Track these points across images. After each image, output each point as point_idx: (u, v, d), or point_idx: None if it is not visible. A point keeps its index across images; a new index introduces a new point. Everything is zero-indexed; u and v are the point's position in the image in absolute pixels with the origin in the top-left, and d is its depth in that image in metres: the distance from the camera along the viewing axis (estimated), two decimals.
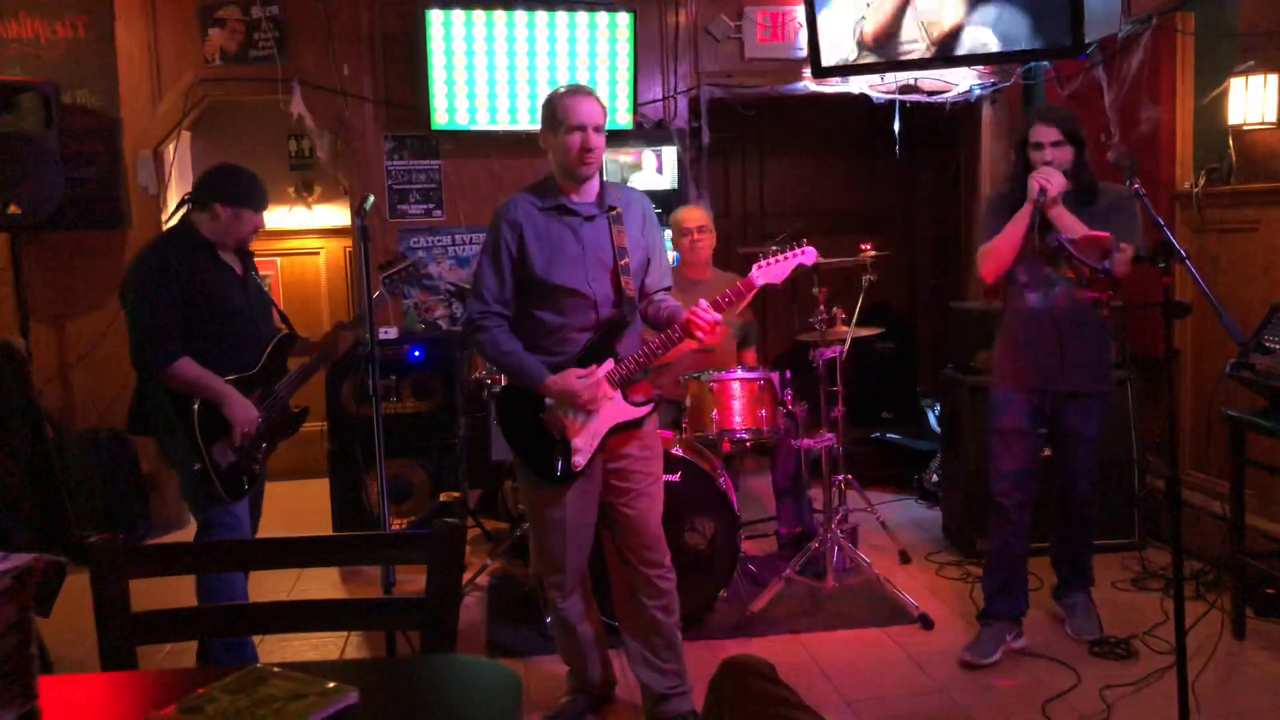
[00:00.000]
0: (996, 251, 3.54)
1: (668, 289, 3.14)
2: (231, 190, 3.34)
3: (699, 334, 2.88)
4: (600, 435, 2.97)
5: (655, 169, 5.67)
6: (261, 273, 3.72)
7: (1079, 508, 3.72)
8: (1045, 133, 3.49)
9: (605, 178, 3.20)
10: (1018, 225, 3.46)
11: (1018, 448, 3.62)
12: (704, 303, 2.90)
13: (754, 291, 3.05)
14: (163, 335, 3.21)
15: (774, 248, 3.10)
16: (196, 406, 3.22)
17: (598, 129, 2.93)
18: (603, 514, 3.10)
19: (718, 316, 2.90)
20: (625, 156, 5.64)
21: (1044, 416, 3.64)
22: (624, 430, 3.01)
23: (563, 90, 3.00)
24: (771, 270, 3.05)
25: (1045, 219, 3.42)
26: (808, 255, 3.11)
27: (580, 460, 2.95)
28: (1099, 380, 3.61)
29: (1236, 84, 4.19)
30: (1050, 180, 3.39)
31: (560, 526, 3.04)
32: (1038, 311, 3.55)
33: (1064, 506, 3.75)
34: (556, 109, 2.94)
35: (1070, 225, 3.39)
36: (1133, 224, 3.42)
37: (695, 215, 4.56)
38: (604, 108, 2.99)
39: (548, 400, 2.94)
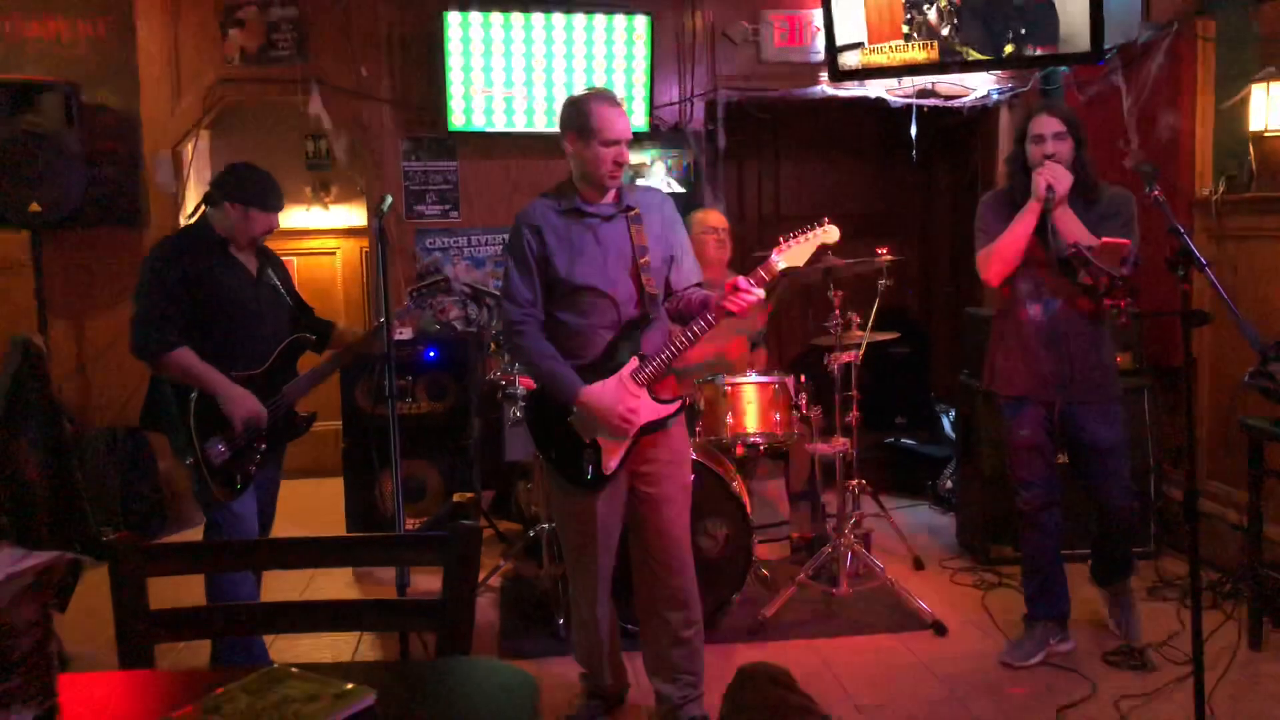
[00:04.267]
0: (1000, 253, 3.45)
1: (699, 285, 3.11)
2: (243, 189, 3.36)
3: (736, 310, 2.84)
4: (630, 436, 2.96)
5: (664, 175, 5.65)
6: (288, 272, 3.74)
7: (1119, 516, 3.60)
8: (1047, 123, 3.40)
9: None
10: (1024, 224, 3.38)
11: (1034, 458, 3.59)
12: (743, 281, 2.83)
13: (774, 276, 2.96)
14: (159, 324, 3.24)
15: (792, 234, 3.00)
16: (193, 401, 3.24)
17: (628, 143, 2.94)
18: (628, 521, 3.09)
19: (761, 293, 2.86)
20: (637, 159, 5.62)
21: (1054, 425, 3.56)
22: (653, 431, 2.99)
23: (591, 95, 2.95)
24: (793, 252, 2.95)
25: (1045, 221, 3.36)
26: (830, 233, 2.98)
27: (613, 463, 2.94)
28: (1106, 388, 3.53)
29: (1257, 90, 4.16)
30: (1058, 178, 3.32)
31: (592, 534, 3.03)
32: (1041, 323, 3.49)
33: (1102, 519, 3.65)
34: (590, 117, 2.89)
35: (1070, 229, 3.32)
36: (1129, 227, 3.37)
37: (719, 217, 4.56)
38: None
39: (575, 408, 2.93)
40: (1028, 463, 3.59)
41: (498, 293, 3.88)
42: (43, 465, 3.73)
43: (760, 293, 2.87)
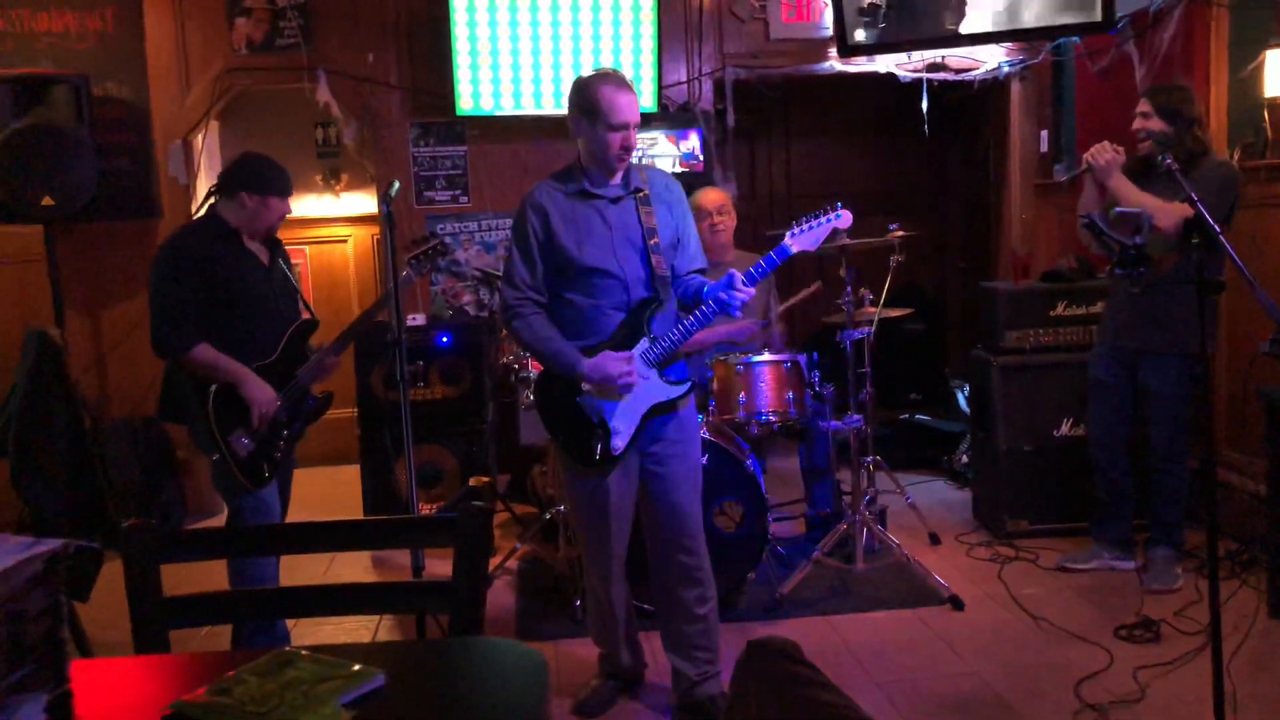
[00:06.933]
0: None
1: (702, 271, 3.11)
2: (257, 179, 3.37)
3: (735, 310, 2.86)
4: (639, 416, 2.97)
5: (675, 160, 5.60)
6: (291, 260, 3.76)
7: (1157, 463, 3.92)
8: (1141, 104, 3.86)
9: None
10: (1083, 193, 3.95)
11: (1100, 396, 4.08)
12: (737, 275, 2.85)
13: (787, 258, 2.99)
14: (177, 322, 3.26)
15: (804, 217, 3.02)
16: (211, 396, 3.27)
17: (636, 126, 2.91)
18: (640, 499, 3.10)
19: (752, 291, 2.88)
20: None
21: (1127, 371, 3.97)
22: (662, 411, 3.00)
23: (599, 78, 2.92)
24: (806, 237, 2.98)
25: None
26: (843, 219, 3.01)
27: (620, 443, 2.95)
28: (1163, 340, 3.82)
29: (1272, 56, 4.10)
30: (1095, 156, 3.74)
31: (604, 513, 3.04)
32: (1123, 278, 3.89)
33: (1146, 461, 3.97)
34: (597, 100, 2.86)
35: (1127, 197, 3.68)
36: (1205, 189, 3.42)
37: (714, 197, 4.49)
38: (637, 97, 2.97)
39: (584, 385, 2.94)
40: (1093, 399, 4.12)
41: None
42: (62, 457, 3.77)
43: (752, 290, 2.88)
